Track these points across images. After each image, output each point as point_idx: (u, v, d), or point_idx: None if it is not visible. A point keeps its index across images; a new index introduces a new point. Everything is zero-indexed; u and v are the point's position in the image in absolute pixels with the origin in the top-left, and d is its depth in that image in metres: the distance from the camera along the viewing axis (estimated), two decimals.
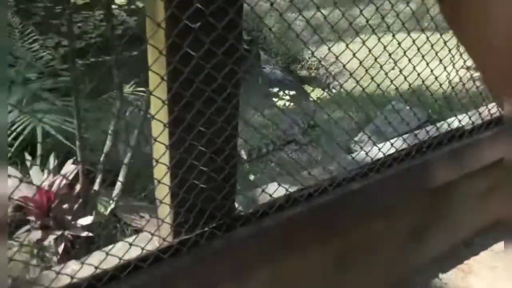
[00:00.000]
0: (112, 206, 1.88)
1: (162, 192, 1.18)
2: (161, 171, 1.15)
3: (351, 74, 1.48)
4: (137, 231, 2.00)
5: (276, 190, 1.46)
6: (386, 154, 1.73)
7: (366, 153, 1.70)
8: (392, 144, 1.76)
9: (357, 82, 1.49)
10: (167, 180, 1.15)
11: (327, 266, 1.74)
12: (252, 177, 3.21)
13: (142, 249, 1.17)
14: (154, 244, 1.22)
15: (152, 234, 1.18)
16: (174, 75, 1.03)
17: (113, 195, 1.99)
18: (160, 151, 1.12)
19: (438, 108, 3.47)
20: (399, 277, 2.08)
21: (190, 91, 1.07)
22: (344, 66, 1.54)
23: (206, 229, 1.30)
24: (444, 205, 2.11)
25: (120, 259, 1.14)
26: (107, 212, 1.87)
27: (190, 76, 1.06)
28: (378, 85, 1.65)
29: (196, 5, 0.98)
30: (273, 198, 1.45)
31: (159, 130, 1.09)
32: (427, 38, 1.64)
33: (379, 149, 1.71)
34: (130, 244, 1.14)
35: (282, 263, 1.54)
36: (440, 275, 2.17)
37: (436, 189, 1.95)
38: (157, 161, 1.12)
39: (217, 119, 1.16)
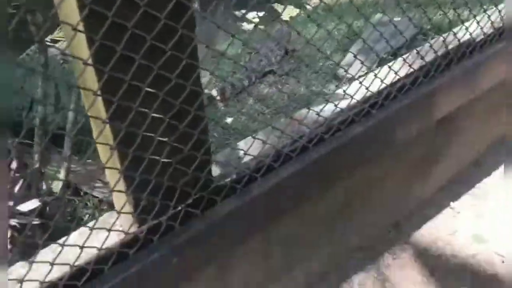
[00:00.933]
0: (62, 175, 1.62)
1: (113, 177, 0.93)
2: (105, 153, 0.89)
3: None
4: (101, 201, 1.78)
5: (263, 149, 1.21)
6: (391, 83, 1.47)
7: (360, 83, 1.42)
8: (391, 68, 1.48)
9: None
10: (115, 162, 0.89)
11: (325, 219, 1.57)
12: (229, 120, 2.92)
13: (99, 249, 0.95)
14: (117, 234, 0.99)
15: (109, 230, 0.95)
16: (94, 18, 0.73)
17: (62, 157, 1.72)
18: (98, 128, 0.84)
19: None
20: (408, 211, 1.95)
21: (122, 40, 0.77)
22: None
23: (179, 208, 1.07)
24: (451, 132, 1.92)
25: (72, 266, 0.92)
26: (59, 186, 1.62)
27: (119, 19, 0.75)
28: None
29: None
30: (258, 158, 1.22)
31: (89, 101, 0.81)
32: None
33: (376, 76, 1.43)
34: (90, 229, 0.90)
35: (274, 228, 1.35)
36: (452, 204, 2.04)
37: (443, 118, 1.73)
38: (96, 141, 0.85)
39: (170, 74, 0.87)
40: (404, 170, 1.81)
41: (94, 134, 0.86)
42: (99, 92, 0.78)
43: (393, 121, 1.50)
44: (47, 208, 1.46)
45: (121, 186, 0.93)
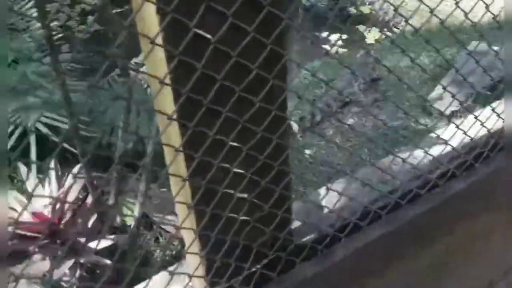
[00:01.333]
0: (137, 209, 1.60)
1: (188, 237, 0.86)
2: (182, 211, 0.82)
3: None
4: (172, 236, 1.74)
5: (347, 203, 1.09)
6: (499, 134, 1.29)
7: (465, 133, 1.25)
8: (500, 117, 1.30)
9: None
10: (191, 223, 0.83)
11: (422, 276, 1.39)
12: (308, 152, 2.80)
13: None
14: None
15: None
16: (181, 69, 0.67)
17: (139, 191, 1.71)
18: (177, 185, 0.78)
19: None
20: (505, 270, 1.72)
21: (210, 93, 0.71)
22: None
23: (253, 269, 0.97)
24: None
25: None
26: (133, 220, 1.61)
27: (208, 70, 0.69)
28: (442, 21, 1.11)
29: None
30: (343, 216, 1.09)
31: (171, 156, 0.75)
32: None
33: (482, 125, 1.26)
34: None
35: None
36: None
37: None
38: (174, 200, 0.79)
39: (256, 128, 0.79)
40: (505, 227, 1.58)
41: (173, 192, 0.80)
42: (181, 148, 0.72)
43: (500, 174, 1.31)
44: (118, 244, 1.45)
45: (195, 247, 0.85)
